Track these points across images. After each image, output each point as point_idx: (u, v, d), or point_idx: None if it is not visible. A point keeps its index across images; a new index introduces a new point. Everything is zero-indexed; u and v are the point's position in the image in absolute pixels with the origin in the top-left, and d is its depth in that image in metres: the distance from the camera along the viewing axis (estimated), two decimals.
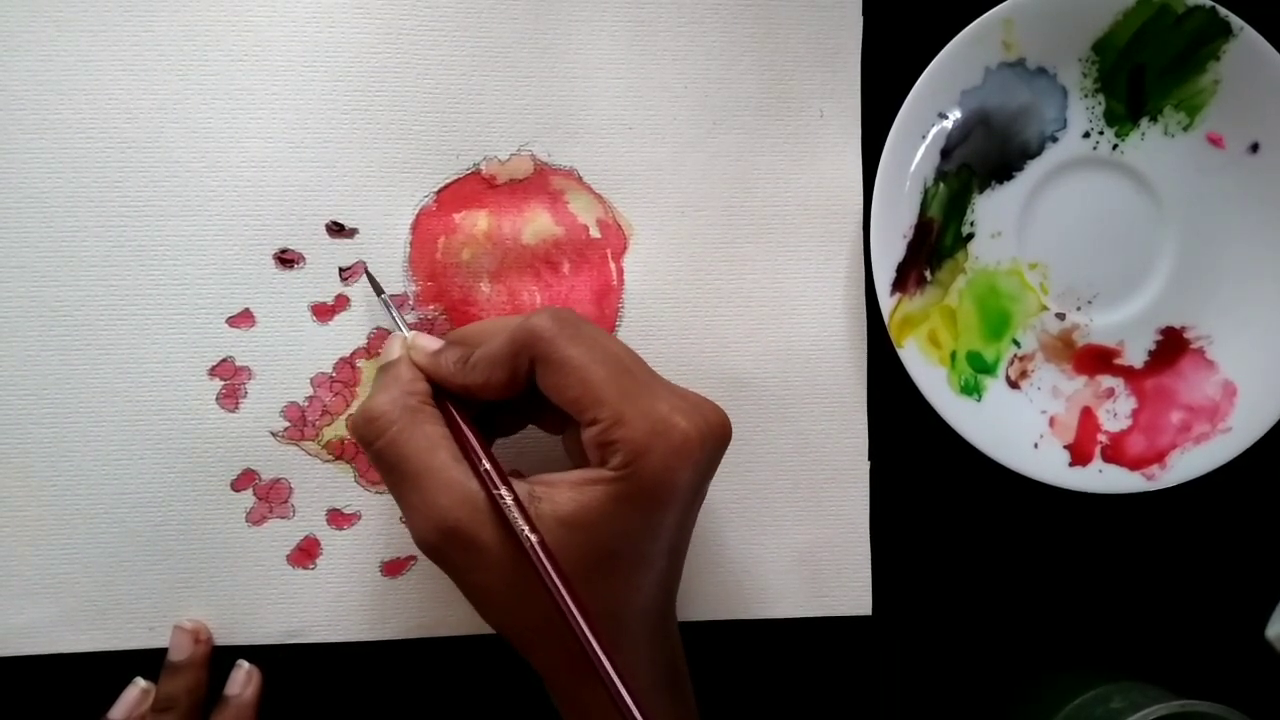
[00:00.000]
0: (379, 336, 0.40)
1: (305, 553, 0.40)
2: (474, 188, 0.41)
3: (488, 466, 0.33)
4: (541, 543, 0.31)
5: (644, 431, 0.31)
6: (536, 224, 0.41)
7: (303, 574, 0.40)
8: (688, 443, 0.32)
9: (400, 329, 0.38)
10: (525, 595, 0.32)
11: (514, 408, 0.36)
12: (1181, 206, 0.42)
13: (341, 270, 0.40)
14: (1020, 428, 0.41)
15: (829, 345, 0.42)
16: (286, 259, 0.40)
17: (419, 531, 0.33)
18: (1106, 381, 0.42)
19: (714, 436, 0.33)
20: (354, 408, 0.40)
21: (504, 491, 0.32)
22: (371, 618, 0.40)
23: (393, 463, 0.33)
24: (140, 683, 0.39)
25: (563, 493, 0.32)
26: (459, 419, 0.34)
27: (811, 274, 0.42)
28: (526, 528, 0.31)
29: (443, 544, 0.32)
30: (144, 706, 0.38)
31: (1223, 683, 0.42)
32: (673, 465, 0.32)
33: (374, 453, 0.34)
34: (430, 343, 0.36)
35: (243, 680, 0.39)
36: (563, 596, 0.31)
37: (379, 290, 0.39)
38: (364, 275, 0.40)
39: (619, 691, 0.30)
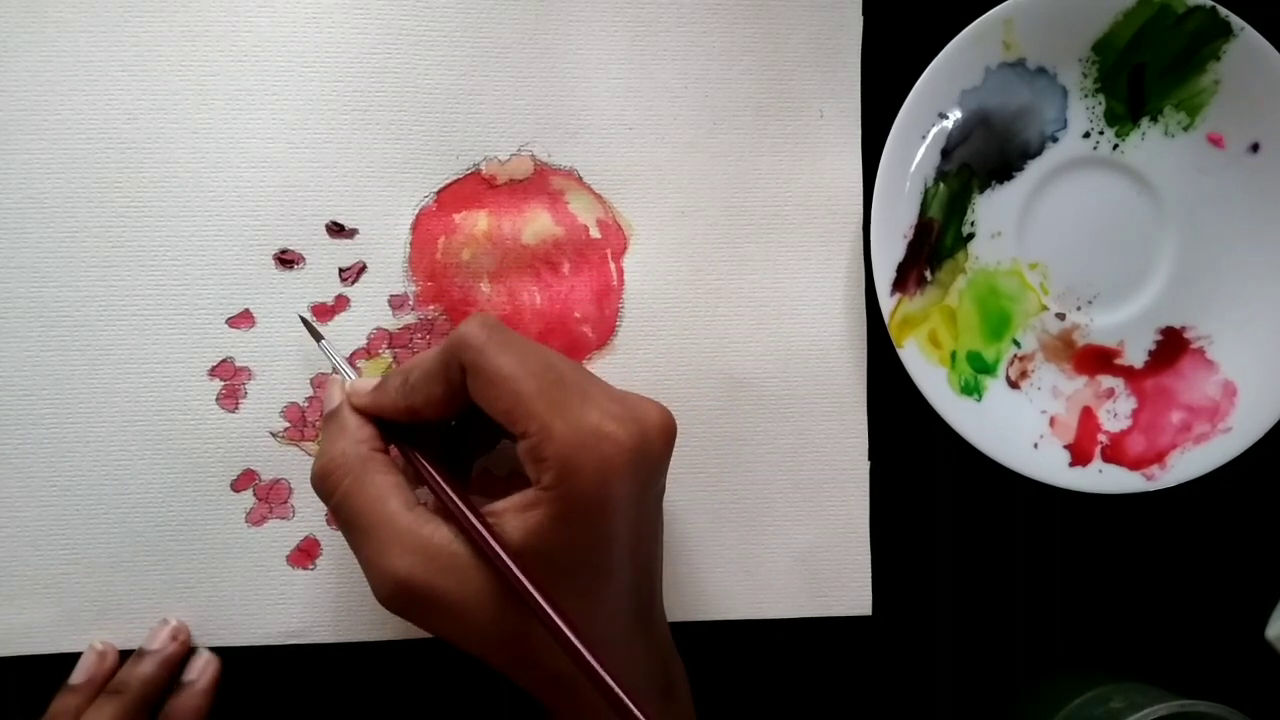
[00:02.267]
0: (379, 337, 0.40)
1: (305, 553, 0.40)
2: (474, 188, 0.41)
3: (452, 495, 0.32)
4: (519, 563, 0.31)
5: (572, 445, 0.31)
6: (536, 224, 0.41)
7: (303, 574, 0.40)
8: (620, 452, 0.31)
9: (345, 373, 0.37)
10: (496, 634, 0.32)
11: (481, 424, 0.36)
12: (1182, 206, 0.42)
13: (341, 271, 0.40)
14: (1020, 428, 0.41)
15: (829, 345, 0.42)
16: (286, 259, 0.40)
17: (377, 589, 0.32)
18: (1106, 381, 0.42)
19: (653, 439, 0.32)
20: None
21: (473, 520, 0.31)
22: (372, 618, 0.40)
23: (347, 518, 0.33)
24: (97, 645, 0.39)
25: (509, 521, 0.31)
26: (418, 458, 0.34)
27: (811, 274, 0.42)
28: (505, 555, 0.31)
29: (402, 599, 0.32)
30: (104, 667, 0.38)
31: (1223, 683, 0.42)
32: (605, 478, 0.31)
33: (331, 507, 0.33)
34: (367, 383, 0.35)
35: (200, 667, 0.39)
36: (546, 612, 0.30)
37: (317, 336, 0.39)
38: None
39: (617, 696, 0.29)
